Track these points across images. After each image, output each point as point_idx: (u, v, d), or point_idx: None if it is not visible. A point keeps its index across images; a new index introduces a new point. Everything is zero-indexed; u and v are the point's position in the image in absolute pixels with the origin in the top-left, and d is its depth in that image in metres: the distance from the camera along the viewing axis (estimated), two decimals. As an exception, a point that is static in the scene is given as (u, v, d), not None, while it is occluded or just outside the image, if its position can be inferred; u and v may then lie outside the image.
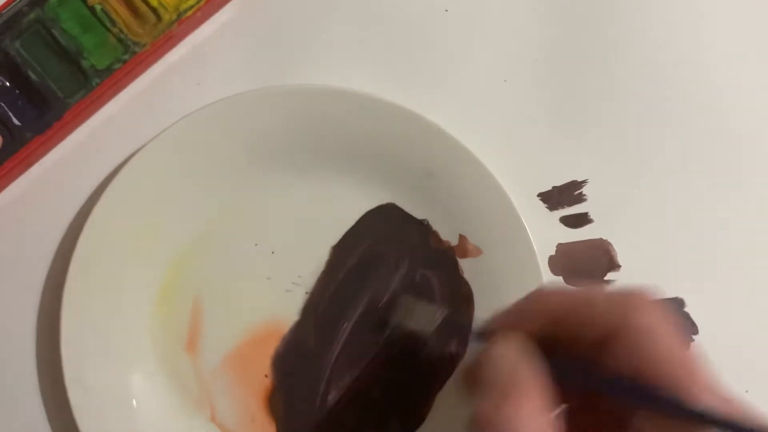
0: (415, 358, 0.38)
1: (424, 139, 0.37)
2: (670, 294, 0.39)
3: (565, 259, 0.39)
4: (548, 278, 0.39)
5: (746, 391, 0.39)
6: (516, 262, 0.37)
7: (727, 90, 0.40)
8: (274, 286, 0.38)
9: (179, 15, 0.37)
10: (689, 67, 0.40)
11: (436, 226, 0.38)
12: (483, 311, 0.38)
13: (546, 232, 0.39)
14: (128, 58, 0.37)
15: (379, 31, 0.40)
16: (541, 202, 0.39)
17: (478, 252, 0.38)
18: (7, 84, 0.37)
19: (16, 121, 0.37)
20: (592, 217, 0.39)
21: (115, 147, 0.38)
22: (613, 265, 0.39)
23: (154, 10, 0.37)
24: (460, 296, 0.38)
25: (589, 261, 0.39)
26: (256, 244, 0.38)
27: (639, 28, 0.40)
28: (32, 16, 0.36)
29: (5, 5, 0.36)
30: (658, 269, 0.39)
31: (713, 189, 0.40)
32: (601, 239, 0.39)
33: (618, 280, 0.39)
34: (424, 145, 0.37)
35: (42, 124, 0.36)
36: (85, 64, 0.37)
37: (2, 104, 0.37)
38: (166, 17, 0.37)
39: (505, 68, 0.40)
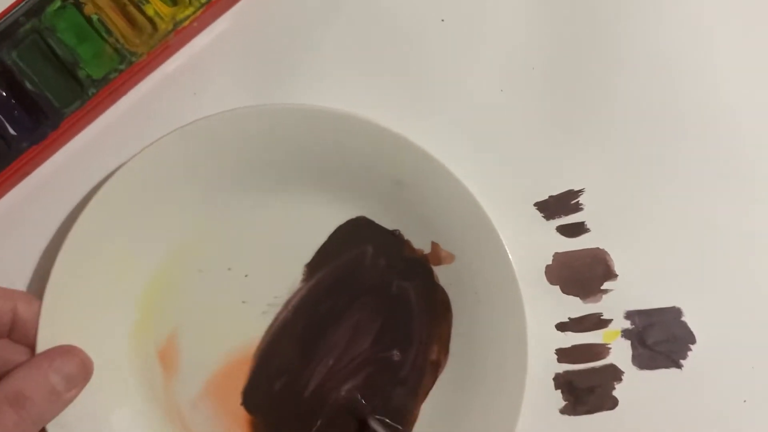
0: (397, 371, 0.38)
1: (390, 150, 0.37)
2: (668, 303, 0.39)
3: (562, 268, 0.39)
4: (536, 280, 0.39)
5: (744, 401, 0.39)
6: (489, 265, 0.37)
7: (725, 100, 0.40)
8: (250, 309, 0.38)
9: (176, 25, 0.37)
10: (687, 76, 0.40)
11: (409, 235, 0.38)
12: (461, 317, 0.38)
13: (543, 241, 0.39)
14: (125, 68, 0.37)
15: (375, 39, 0.40)
16: (537, 212, 0.39)
17: (451, 258, 0.38)
18: (4, 94, 0.37)
19: (12, 131, 0.37)
20: (588, 226, 0.39)
21: (111, 157, 0.38)
22: (610, 275, 0.39)
23: (150, 20, 0.37)
24: (438, 304, 0.38)
25: (586, 270, 0.39)
26: (229, 269, 0.38)
27: (636, 38, 0.40)
28: (29, 26, 0.36)
29: (1, 15, 0.36)
30: (655, 278, 0.39)
31: (711, 198, 0.40)
32: (597, 248, 0.39)
33: (615, 289, 0.39)
34: (390, 156, 0.37)
35: (38, 134, 0.37)
36: (81, 74, 0.37)
37: (-2, 114, 0.37)
38: (163, 27, 0.37)
39: (501, 78, 0.40)
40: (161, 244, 0.37)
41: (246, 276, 0.38)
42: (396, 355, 0.38)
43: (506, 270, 0.36)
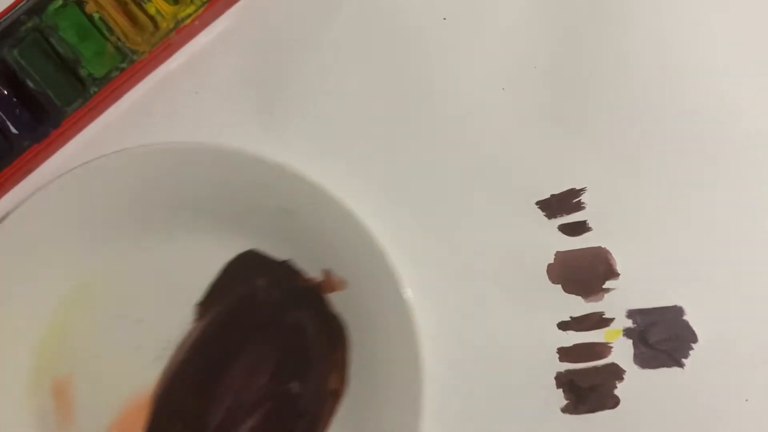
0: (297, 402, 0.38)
1: (274, 181, 0.36)
2: (670, 302, 0.39)
3: (564, 267, 0.39)
4: (538, 279, 0.39)
5: (746, 400, 0.39)
6: (381, 289, 0.37)
7: (727, 98, 0.40)
8: (145, 354, 0.37)
9: (177, 23, 0.37)
10: (690, 75, 0.40)
11: (300, 264, 0.38)
12: (357, 343, 0.38)
13: (544, 240, 0.39)
14: (126, 67, 0.37)
15: (376, 38, 0.39)
16: (539, 210, 0.39)
17: (344, 284, 0.37)
18: (5, 92, 0.37)
19: (13, 130, 0.37)
20: (590, 225, 0.39)
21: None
22: (612, 273, 0.39)
23: (151, 18, 0.37)
24: (333, 332, 0.38)
25: (588, 269, 0.39)
26: (121, 315, 0.38)
27: (638, 37, 0.40)
28: (30, 24, 0.36)
29: (3, 13, 0.36)
30: (656, 277, 0.39)
31: (713, 197, 0.40)
32: (599, 247, 0.39)
33: (617, 288, 0.39)
34: (275, 187, 0.37)
35: (39, 132, 0.37)
36: (82, 72, 0.37)
37: (0, 112, 0.37)
38: (164, 26, 0.37)
39: (503, 76, 0.40)
40: (53, 291, 0.37)
41: (138, 321, 0.38)
42: (295, 387, 0.38)
43: (398, 293, 0.36)
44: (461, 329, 0.39)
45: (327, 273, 0.38)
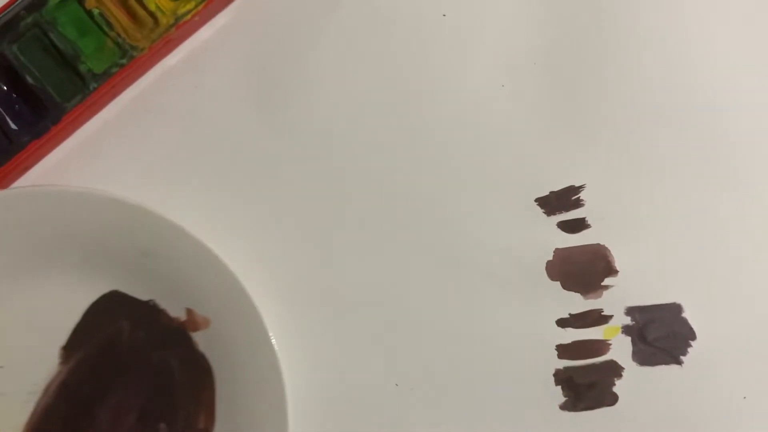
0: None
1: (131, 222, 0.36)
2: (668, 299, 0.39)
3: (563, 264, 0.39)
4: (537, 276, 0.39)
5: (744, 398, 0.39)
6: (243, 327, 0.37)
7: (726, 95, 0.40)
8: (11, 400, 0.37)
9: (177, 19, 0.37)
10: (688, 72, 0.40)
11: (164, 304, 0.38)
12: (223, 382, 0.37)
13: (543, 237, 0.39)
14: (126, 63, 0.37)
15: (376, 34, 0.39)
16: (538, 207, 0.39)
17: (207, 323, 0.37)
18: (5, 88, 0.37)
19: (13, 125, 0.37)
20: (589, 222, 0.39)
21: (112, 151, 0.38)
22: (611, 270, 0.39)
23: (151, 14, 0.37)
24: (200, 372, 0.38)
25: (587, 266, 0.39)
26: None
27: (638, 34, 0.40)
28: (30, 19, 0.36)
29: (3, 9, 0.36)
30: (655, 274, 0.39)
31: (711, 194, 0.40)
32: (598, 244, 0.39)
33: (615, 285, 0.39)
34: (132, 228, 0.36)
35: (39, 128, 0.36)
36: (82, 68, 0.37)
37: (0, 108, 0.37)
38: (164, 21, 0.37)
39: (502, 73, 0.40)
40: None
41: (1, 367, 0.37)
42: (163, 428, 0.38)
43: (260, 330, 0.36)
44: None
45: (190, 312, 0.37)
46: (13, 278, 0.37)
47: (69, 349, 0.37)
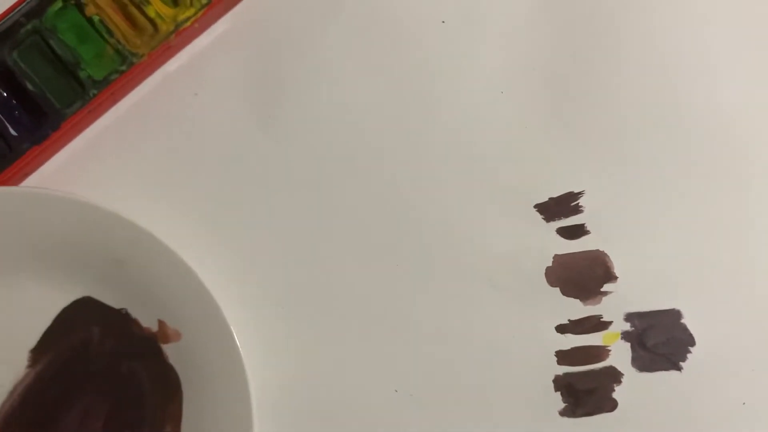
0: None
1: (103, 229, 0.36)
2: (667, 305, 0.39)
3: (562, 271, 0.39)
4: (536, 282, 0.39)
5: (743, 403, 0.39)
6: (213, 341, 0.36)
7: (725, 100, 0.40)
8: None
9: (177, 26, 0.37)
10: (688, 78, 0.40)
11: (136, 313, 0.37)
12: (191, 395, 0.37)
13: (543, 243, 0.39)
14: (126, 69, 0.37)
15: (376, 41, 0.40)
16: (537, 213, 0.39)
17: (178, 336, 0.37)
18: (5, 94, 0.37)
19: (13, 132, 0.37)
20: (588, 228, 0.39)
21: (112, 158, 0.38)
22: (610, 277, 0.39)
23: (151, 21, 0.37)
24: (168, 383, 0.37)
25: (586, 272, 0.39)
26: None
27: (637, 40, 0.40)
28: (30, 26, 0.36)
29: (3, 15, 0.36)
30: (654, 280, 0.39)
31: (710, 200, 0.40)
32: (597, 250, 0.39)
33: (615, 291, 0.39)
34: (105, 235, 0.36)
35: (39, 134, 0.36)
36: (82, 74, 0.37)
37: (0, 115, 0.37)
38: (164, 28, 0.37)
39: (501, 79, 0.40)
40: None
41: None
42: None
43: (230, 346, 0.36)
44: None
45: (162, 323, 0.37)
46: None
47: (38, 352, 0.37)
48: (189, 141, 0.39)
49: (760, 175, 0.40)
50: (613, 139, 0.40)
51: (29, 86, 0.36)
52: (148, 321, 0.37)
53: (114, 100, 0.38)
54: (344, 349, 0.39)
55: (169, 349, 0.37)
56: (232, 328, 0.36)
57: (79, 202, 0.36)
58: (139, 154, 0.39)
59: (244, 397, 0.36)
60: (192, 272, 0.36)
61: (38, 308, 0.37)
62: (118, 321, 0.37)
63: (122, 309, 0.37)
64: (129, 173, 0.39)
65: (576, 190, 0.39)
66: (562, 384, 0.39)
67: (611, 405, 0.39)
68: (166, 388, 0.37)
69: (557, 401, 0.39)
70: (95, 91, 0.37)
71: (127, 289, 0.37)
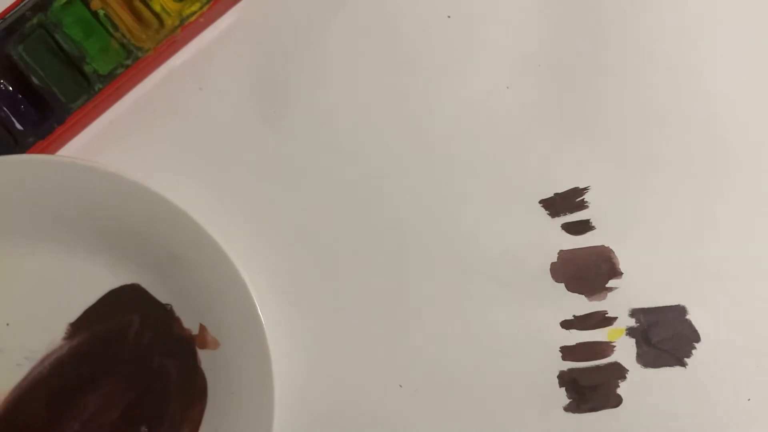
0: None
1: (165, 222, 0.36)
2: (673, 301, 0.39)
3: (567, 266, 0.39)
4: (541, 278, 0.39)
5: (748, 400, 0.39)
6: (249, 361, 0.36)
7: (731, 98, 0.40)
8: (5, 358, 0.37)
9: (182, 20, 0.37)
10: (693, 75, 0.40)
11: (180, 312, 0.37)
12: (214, 404, 0.37)
13: (548, 239, 0.39)
14: (131, 64, 0.37)
15: (381, 36, 0.40)
16: (543, 209, 0.39)
17: (216, 344, 0.37)
18: (10, 88, 0.37)
19: (18, 126, 0.37)
20: (594, 224, 0.39)
21: (117, 152, 0.38)
22: (615, 272, 0.39)
23: (157, 15, 0.37)
24: (195, 388, 0.37)
25: (591, 268, 0.39)
26: None
27: (642, 36, 0.40)
28: (35, 20, 0.36)
29: (8, 10, 0.36)
30: (659, 276, 0.39)
31: (716, 196, 0.40)
32: (603, 246, 0.39)
33: (620, 287, 0.39)
34: (165, 228, 0.36)
35: (44, 128, 0.37)
36: (87, 69, 0.37)
37: (5, 109, 0.37)
38: (170, 23, 0.37)
39: (507, 75, 0.40)
40: None
41: (7, 324, 0.37)
42: (144, 431, 0.37)
43: (265, 370, 0.36)
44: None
45: (203, 329, 0.37)
46: (48, 243, 0.37)
47: (76, 326, 0.37)
48: (193, 135, 0.39)
49: (766, 170, 0.40)
50: (619, 135, 0.40)
51: (34, 80, 0.36)
52: (190, 323, 0.37)
53: (119, 94, 0.38)
54: (349, 344, 0.39)
55: (203, 355, 0.37)
56: (271, 353, 0.36)
57: (148, 190, 0.36)
58: (144, 148, 0.39)
59: (267, 421, 0.36)
60: (244, 284, 0.36)
61: (87, 284, 0.37)
62: (161, 315, 0.37)
63: (167, 304, 0.37)
64: (134, 167, 0.38)
65: (581, 186, 0.39)
66: (566, 380, 0.39)
67: (616, 401, 0.39)
68: (192, 392, 0.37)
69: (562, 397, 0.39)
70: (100, 86, 0.37)
71: (176, 287, 0.37)
